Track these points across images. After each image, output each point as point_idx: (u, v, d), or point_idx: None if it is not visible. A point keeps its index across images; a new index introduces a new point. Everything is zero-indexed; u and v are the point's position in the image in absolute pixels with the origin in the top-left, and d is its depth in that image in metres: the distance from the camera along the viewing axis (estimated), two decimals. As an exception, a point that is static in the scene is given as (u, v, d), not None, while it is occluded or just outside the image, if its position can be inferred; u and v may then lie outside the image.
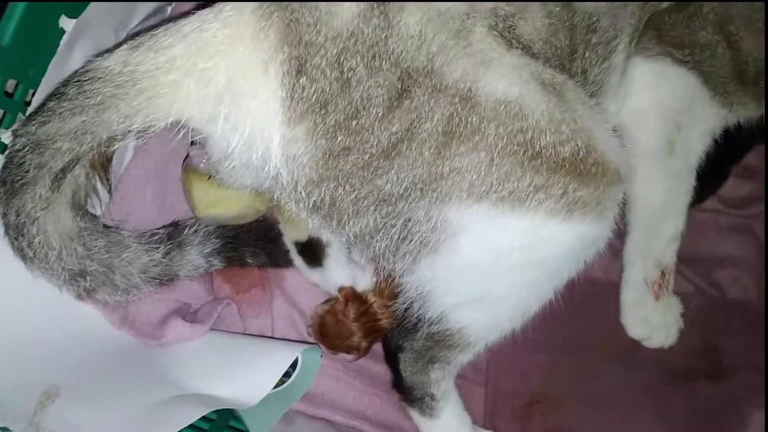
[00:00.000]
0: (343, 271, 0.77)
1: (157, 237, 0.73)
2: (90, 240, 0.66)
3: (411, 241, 0.56)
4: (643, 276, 0.76)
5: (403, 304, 0.63)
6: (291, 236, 0.78)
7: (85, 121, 0.55)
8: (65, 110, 0.56)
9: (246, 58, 0.53)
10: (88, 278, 0.65)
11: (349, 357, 0.81)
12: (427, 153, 0.53)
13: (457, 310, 0.61)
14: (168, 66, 0.54)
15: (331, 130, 0.52)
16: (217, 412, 0.70)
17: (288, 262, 0.80)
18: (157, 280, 0.73)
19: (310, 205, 0.56)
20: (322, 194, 0.55)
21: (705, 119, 0.72)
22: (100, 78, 0.55)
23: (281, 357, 0.72)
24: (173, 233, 0.75)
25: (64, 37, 0.67)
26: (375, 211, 0.55)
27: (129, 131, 0.56)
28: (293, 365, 0.74)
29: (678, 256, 0.77)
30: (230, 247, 0.79)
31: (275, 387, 0.71)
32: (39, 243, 0.61)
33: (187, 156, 0.77)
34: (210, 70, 0.53)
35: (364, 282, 0.78)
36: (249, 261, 0.81)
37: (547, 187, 0.54)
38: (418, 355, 0.68)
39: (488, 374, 0.83)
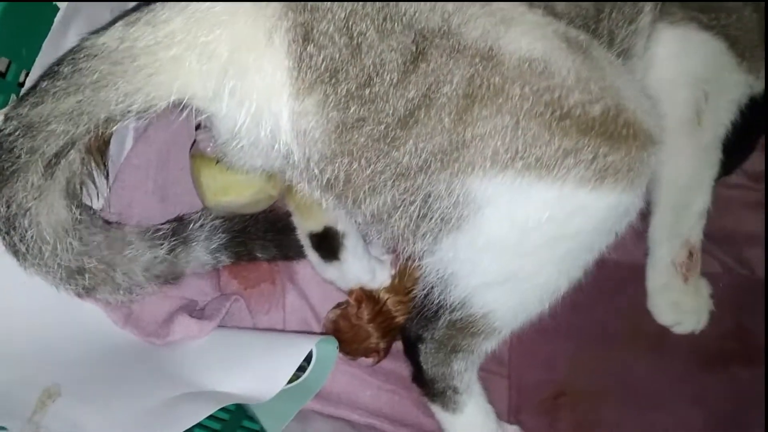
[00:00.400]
0: (361, 265, 0.74)
1: (160, 233, 0.70)
2: (87, 234, 0.62)
3: (431, 218, 0.53)
4: (670, 257, 0.72)
5: (423, 290, 0.59)
6: (305, 227, 0.74)
7: (81, 100, 0.52)
8: (59, 90, 0.52)
9: (249, 28, 0.50)
10: (87, 276, 0.62)
11: (369, 361, 0.77)
12: (447, 119, 0.49)
13: (482, 292, 0.58)
14: (167, 41, 0.51)
15: (342, 100, 0.49)
16: (229, 411, 0.67)
17: (299, 254, 0.76)
18: (162, 278, 0.70)
19: (324, 183, 0.53)
20: (336, 171, 0.52)
21: (732, 87, 0.68)
22: (96, 55, 0.52)
23: (295, 350, 0.68)
24: (178, 228, 0.72)
25: (59, 15, 0.64)
26: (393, 186, 0.52)
27: (129, 111, 0.53)
28: (308, 359, 0.70)
29: (704, 235, 0.73)
30: (238, 241, 0.76)
31: (289, 382, 0.67)
32: (32, 237, 0.57)
33: (194, 142, 0.73)
34: (212, 44, 0.50)
35: (383, 276, 0.75)
36: (258, 255, 0.77)
37: (576, 152, 0.50)
38: (439, 344, 0.64)
39: (511, 366, 0.79)
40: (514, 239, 0.54)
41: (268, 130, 0.51)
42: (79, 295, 0.63)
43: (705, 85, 0.67)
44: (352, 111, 0.50)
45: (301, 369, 0.70)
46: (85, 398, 0.63)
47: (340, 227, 0.71)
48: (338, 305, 0.77)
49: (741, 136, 0.73)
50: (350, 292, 0.74)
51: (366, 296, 0.74)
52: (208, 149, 0.69)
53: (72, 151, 0.56)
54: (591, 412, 0.77)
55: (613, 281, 0.74)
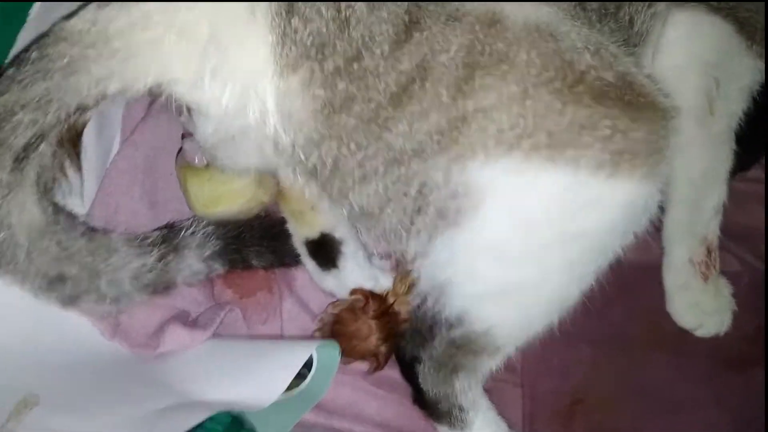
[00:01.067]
0: (361, 272, 0.70)
1: (149, 240, 0.67)
2: (67, 239, 0.58)
3: (427, 212, 0.49)
4: (688, 256, 0.68)
5: (417, 301, 0.55)
6: (301, 234, 0.70)
7: (49, 87, 0.49)
8: (26, 76, 0.49)
9: (229, 3, 0.47)
10: (68, 284, 0.58)
11: (366, 367, 0.73)
12: (444, 93, 0.46)
13: (482, 305, 0.53)
14: (143, 22, 0.48)
15: (330, 77, 0.46)
16: (224, 424, 0.62)
17: (297, 260, 0.72)
18: (151, 288, 0.66)
19: (310, 169, 0.49)
20: (324, 156, 0.48)
21: (743, 73, 0.65)
22: (65, 39, 0.49)
23: (294, 356, 0.64)
24: (168, 236, 0.68)
25: (34, 7, 0.62)
26: (384, 174, 0.48)
27: (103, 96, 0.50)
28: (308, 366, 0.66)
29: (721, 231, 0.70)
30: (232, 248, 0.72)
31: (288, 390, 0.63)
32: (3, 240, 0.53)
33: (179, 152, 0.70)
34: (190, 22, 0.47)
35: (386, 282, 0.70)
36: (254, 262, 0.73)
37: (592, 126, 0.46)
38: (438, 364, 0.59)
39: (523, 374, 0.75)
40: (518, 239, 0.49)
41: (256, 112, 0.48)
42: (62, 306, 0.60)
43: (715, 70, 0.63)
44: (340, 89, 0.46)
45: (301, 376, 0.66)
46: (66, 408, 0.59)
47: (338, 233, 0.67)
48: (340, 301, 0.72)
49: (756, 128, 0.70)
50: (353, 291, 0.69)
51: (373, 295, 0.69)
52: (195, 159, 0.65)
53: (42, 143, 0.52)
54: (608, 419, 0.73)
55: (627, 281, 0.70)
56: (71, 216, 0.62)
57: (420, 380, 0.61)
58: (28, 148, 0.51)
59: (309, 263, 0.71)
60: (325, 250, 0.69)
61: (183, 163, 0.70)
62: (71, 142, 0.61)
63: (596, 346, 0.74)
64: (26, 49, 0.51)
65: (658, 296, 0.71)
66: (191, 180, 0.69)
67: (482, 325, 0.54)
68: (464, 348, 0.56)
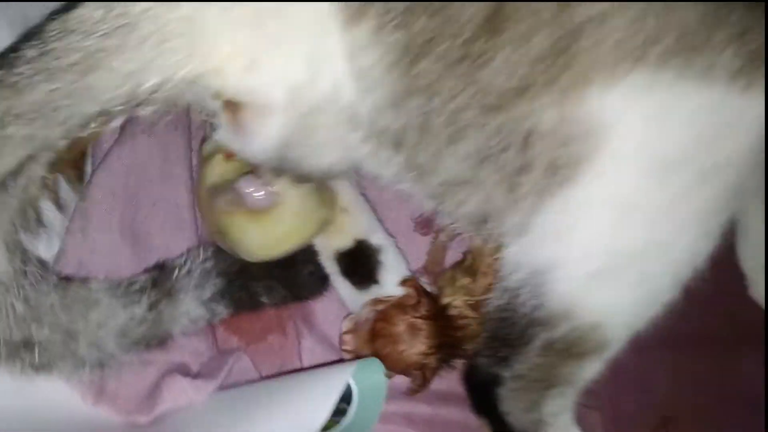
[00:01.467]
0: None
1: (136, 285, 0.56)
2: (36, 294, 0.47)
3: (533, 169, 0.40)
4: None
5: (504, 299, 0.44)
6: (330, 246, 0.59)
7: (56, 89, 0.40)
8: (22, 78, 0.40)
9: None
10: (36, 351, 0.47)
11: (410, 384, 0.59)
12: (545, 9, 0.37)
13: (596, 287, 0.43)
14: None
15: (403, 16, 0.38)
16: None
17: (315, 290, 0.62)
18: (143, 344, 0.56)
19: (394, 136, 0.42)
20: (409, 116, 0.41)
21: None
22: (74, 30, 0.40)
23: (329, 383, 0.52)
24: (159, 278, 0.57)
25: None
26: (481, 127, 0.39)
27: (134, 97, 0.41)
28: (346, 399, 0.53)
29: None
30: (237, 285, 0.61)
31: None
32: None
33: (223, 195, 0.57)
34: None
35: None
36: (264, 299, 0.62)
37: (723, 19, 0.37)
38: (527, 382, 0.48)
39: (602, 394, 0.63)
40: (648, 187, 0.40)
41: (326, 83, 0.41)
42: (30, 374, 0.48)
43: None
44: (418, 28, 0.38)
45: (341, 413, 0.54)
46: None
47: (375, 239, 0.57)
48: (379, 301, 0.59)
49: None
50: (404, 281, 0.58)
51: (425, 290, 0.59)
52: (258, 197, 0.54)
53: (32, 166, 0.42)
54: (708, 436, 0.62)
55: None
56: (41, 264, 0.51)
57: (504, 408, 0.49)
58: (16, 173, 0.41)
59: (342, 286, 0.60)
60: (360, 263, 0.59)
61: (234, 209, 0.56)
62: (72, 164, 0.48)
63: (677, 350, 0.63)
64: (13, 49, 0.41)
65: (735, 282, 0.61)
66: (248, 227, 0.57)
67: (593, 316, 0.44)
68: (565, 352, 0.46)
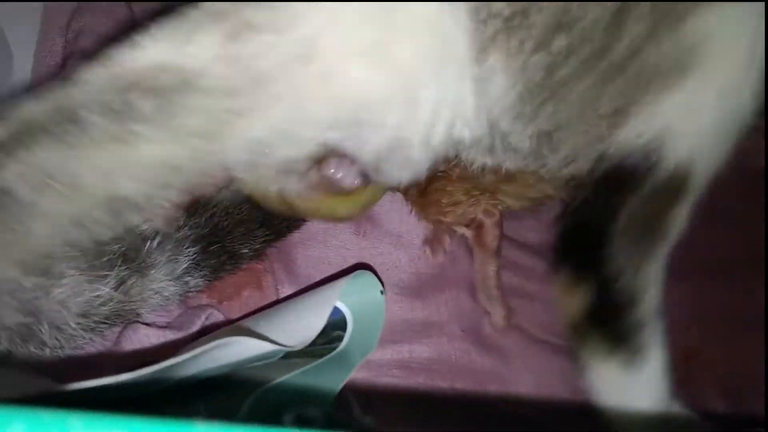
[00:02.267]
0: None
1: (105, 259, 0.49)
2: None
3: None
4: None
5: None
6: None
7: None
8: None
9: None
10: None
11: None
12: None
13: (692, 118, 0.43)
14: (308, 42, 0.39)
15: (542, 36, 0.41)
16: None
17: (293, 225, 0.61)
18: (107, 325, 0.50)
19: (531, 145, 0.45)
20: (541, 123, 0.43)
21: None
22: (194, 88, 0.38)
23: (318, 308, 0.52)
24: (128, 252, 0.50)
25: None
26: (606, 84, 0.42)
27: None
28: (341, 326, 0.53)
29: None
30: (214, 248, 0.56)
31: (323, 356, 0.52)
32: None
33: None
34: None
35: None
36: (245, 251, 0.58)
37: None
38: (636, 232, 0.44)
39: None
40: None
41: (448, 118, 0.43)
42: None
43: None
44: (556, 45, 0.41)
45: (338, 339, 0.54)
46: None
47: None
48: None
49: None
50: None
51: None
52: (349, 180, 0.50)
53: None
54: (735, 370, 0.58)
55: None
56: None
57: (610, 267, 0.44)
58: None
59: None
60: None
61: (320, 193, 0.51)
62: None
63: (696, 282, 0.59)
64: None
65: (754, 208, 0.59)
66: (338, 205, 0.55)
67: (688, 153, 0.43)
68: (665, 197, 0.43)
